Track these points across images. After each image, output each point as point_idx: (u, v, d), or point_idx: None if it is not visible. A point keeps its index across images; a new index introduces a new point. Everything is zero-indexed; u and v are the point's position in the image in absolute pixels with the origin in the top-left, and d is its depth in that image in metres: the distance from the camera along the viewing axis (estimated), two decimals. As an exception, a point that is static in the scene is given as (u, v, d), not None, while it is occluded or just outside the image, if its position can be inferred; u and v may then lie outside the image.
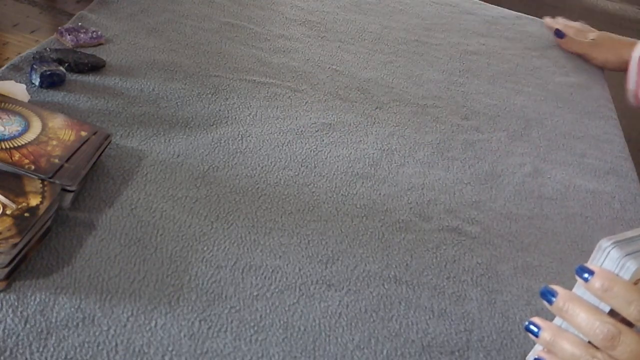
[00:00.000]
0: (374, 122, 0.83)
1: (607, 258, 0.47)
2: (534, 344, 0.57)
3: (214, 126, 0.74)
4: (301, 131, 0.77)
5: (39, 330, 0.47)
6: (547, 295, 0.49)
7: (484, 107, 0.94)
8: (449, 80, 0.99)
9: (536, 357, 0.51)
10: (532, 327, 0.50)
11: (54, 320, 0.47)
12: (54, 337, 0.46)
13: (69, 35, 0.81)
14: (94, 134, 0.63)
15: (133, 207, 0.59)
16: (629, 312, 0.46)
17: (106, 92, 0.74)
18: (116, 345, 0.47)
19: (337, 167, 0.73)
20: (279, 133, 0.76)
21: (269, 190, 0.66)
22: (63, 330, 0.47)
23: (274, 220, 0.62)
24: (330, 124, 0.80)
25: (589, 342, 0.47)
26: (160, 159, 0.66)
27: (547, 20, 1.26)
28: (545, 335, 0.50)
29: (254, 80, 0.85)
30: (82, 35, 0.82)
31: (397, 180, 0.73)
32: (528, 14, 1.37)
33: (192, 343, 0.49)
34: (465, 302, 0.59)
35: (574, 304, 0.48)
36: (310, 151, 0.74)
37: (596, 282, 0.47)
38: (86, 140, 0.61)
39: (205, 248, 0.57)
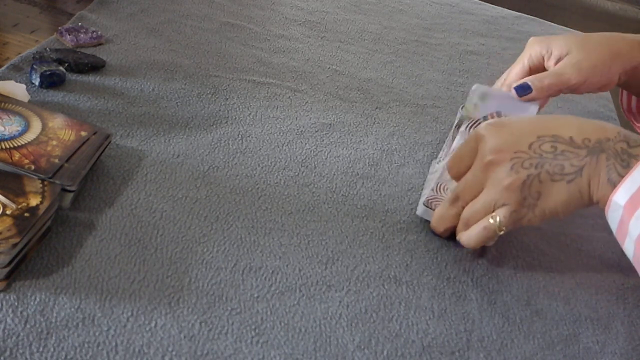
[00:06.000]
0: (374, 122, 0.83)
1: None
2: (534, 344, 0.57)
3: (214, 126, 0.74)
4: (301, 131, 0.77)
5: (39, 330, 0.46)
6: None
7: (484, 107, 0.94)
8: (449, 80, 0.99)
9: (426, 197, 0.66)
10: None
11: (54, 320, 0.47)
12: (54, 337, 0.46)
13: (69, 35, 0.81)
14: (94, 134, 0.62)
15: (133, 208, 0.59)
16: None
17: (106, 92, 0.74)
18: (116, 345, 0.47)
19: (337, 167, 0.73)
20: (279, 133, 0.76)
21: (269, 190, 0.66)
22: (63, 330, 0.47)
23: (274, 221, 0.62)
24: (330, 124, 0.80)
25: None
26: (160, 159, 0.66)
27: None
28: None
29: (254, 80, 0.85)
30: (82, 35, 0.82)
31: (397, 181, 0.73)
32: (528, 14, 1.37)
33: (192, 344, 0.49)
34: (465, 303, 0.59)
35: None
36: (310, 151, 0.74)
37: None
38: (86, 140, 0.61)
39: (205, 249, 0.57)
